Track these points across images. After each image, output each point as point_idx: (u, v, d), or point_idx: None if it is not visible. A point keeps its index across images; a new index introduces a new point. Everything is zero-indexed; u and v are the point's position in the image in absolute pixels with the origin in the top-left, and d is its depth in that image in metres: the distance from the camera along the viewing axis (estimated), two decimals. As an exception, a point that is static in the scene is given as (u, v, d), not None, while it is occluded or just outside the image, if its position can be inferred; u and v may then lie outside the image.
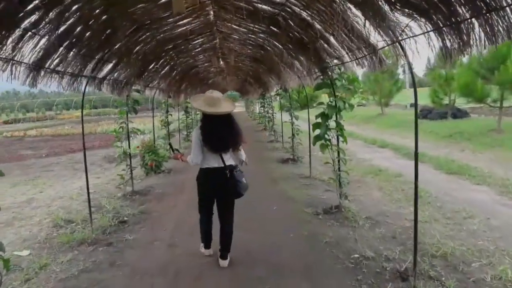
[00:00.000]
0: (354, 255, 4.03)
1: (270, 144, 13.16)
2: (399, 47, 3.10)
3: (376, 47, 3.50)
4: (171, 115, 11.47)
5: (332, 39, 4.22)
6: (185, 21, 5.71)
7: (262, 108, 17.94)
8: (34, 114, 52.74)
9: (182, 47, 7.47)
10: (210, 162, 3.68)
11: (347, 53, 4.17)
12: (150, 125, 16.35)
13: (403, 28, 2.90)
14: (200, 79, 14.39)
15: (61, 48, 3.80)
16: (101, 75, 5.35)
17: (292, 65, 6.83)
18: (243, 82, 19.13)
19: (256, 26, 5.90)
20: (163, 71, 8.30)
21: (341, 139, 5.29)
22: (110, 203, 6.48)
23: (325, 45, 4.49)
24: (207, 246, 4.14)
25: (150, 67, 7.30)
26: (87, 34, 4.04)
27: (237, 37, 7.17)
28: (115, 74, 5.89)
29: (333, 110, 4.98)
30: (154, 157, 8.93)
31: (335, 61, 4.75)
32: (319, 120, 5.16)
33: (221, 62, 11.20)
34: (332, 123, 5.23)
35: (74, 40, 3.89)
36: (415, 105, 3.40)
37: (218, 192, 3.79)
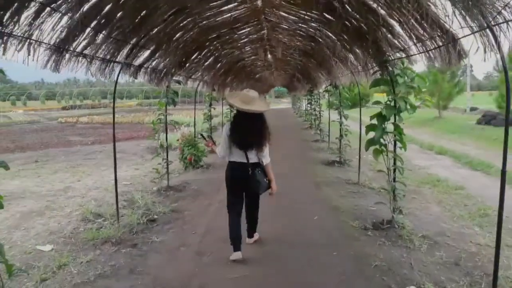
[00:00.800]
0: (409, 287, 3.36)
1: (315, 143, 12.46)
2: (490, 35, 2.40)
3: (456, 35, 2.79)
4: (214, 108, 11.12)
5: (397, 26, 3.54)
6: (230, 6, 5.22)
7: (309, 105, 17.21)
8: (90, 102, 55.44)
9: (227, 37, 7.02)
10: (236, 157, 3.82)
11: (414, 44, 3.48)
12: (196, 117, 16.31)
13: (500, 8, 2.21)
14: (246, 73, 13.97)
15: (88, 29, 3.44)
16: (137, 62, 5.01)
17: (345, 59, 6.15)
18: (291, 78, 18.51)
19: (308, 14, 5.31)
20: (206, 62, 7.91)
21: (399, 144, 4.57)
22: (143, 198, 6.19)
23: (388, 35, 3.81)
24: (236, 248, 3.91)
25: (193, 57, 6.92)
26: (119, 15, 3.66)
27: (286, 26, 6.60)
28: (153, 63, 5.55)
29: (392, 111, 4.28)
30: (193, 151, 8.60)
31: (399, 54, 4.06)
32: (374, 121, 4.48)
33: (269, 56, 10.69)
34: (389, 126, 4.53)
35: (103, 20, 3.52)
36: (506, 110, 2.65)
37: (242, 185, 3.89)
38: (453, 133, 14.23)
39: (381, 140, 4.41)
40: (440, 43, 2.99)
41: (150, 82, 5.83)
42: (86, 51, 3.70)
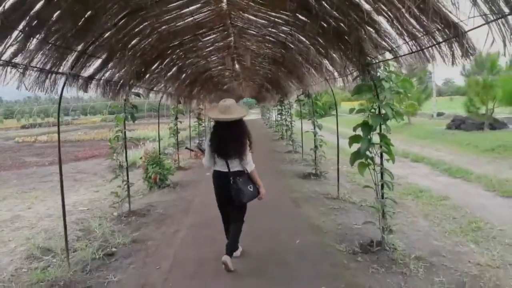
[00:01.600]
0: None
1: (288, 155, 11.98)
2: None
3: (462, 28, 2.34)
4: (180, 122, 10.42)
5: (384, 23, 3.09)
6: (191, 8, 4.66)
7: (279, 116, 16.80)
8: (52, 119, 53.01)
9: (191, 44, 6.44)
10: (219, 166, 3.85)
11: (406, 42, 3.03)
12: (161, 132, 15.47)
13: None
14: (214, 83, 13.39)
15: (16, 32, 2.77)
16: (86, 73, 4.32)
17: (319, 65, 5.71)
18: (260, 88, 18.09)
19: (279, 16, 4.82)
20: (169, 73, 7.27)
21: (385, 157, 4.12)
22: (101, 226, 5.46)
23: (373, 34, 3.36)
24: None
25: (153, 67, 6.28)
26: (55, 15, 3.01)
27: (254, 32, 6.10)
28: (107, 73, 4.88)
29: (377, 119, 3.82)
30: (158, 169, 7.89)
31: (383, 56, 3.62)
32: (358, 132, 4.01)
33: (236, 65, 10.18)
34: (374, 137, 4.08)
35: (35, 22, 2.86)
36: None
37: (225, 195, 3.86)
38: (425, 138, 14.18)
39: (367, 152, 3.93)
40: (441, 39, 2.53)
41: (104, 95, 5.15)
42: (16, 60, 3.01)
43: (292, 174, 8.79)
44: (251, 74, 12.60)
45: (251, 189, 3.82)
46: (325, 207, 5.90)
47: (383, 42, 3.35)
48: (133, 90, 6.04)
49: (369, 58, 3.85)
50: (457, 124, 14.96)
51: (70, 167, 12.49)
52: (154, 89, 7.24)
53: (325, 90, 6.59)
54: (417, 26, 2.65)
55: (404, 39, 2.96)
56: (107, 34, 4.01)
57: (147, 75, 6.32)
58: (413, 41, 2.87)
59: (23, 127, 44.83)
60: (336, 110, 7.09)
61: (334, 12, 3.48)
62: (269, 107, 28.08)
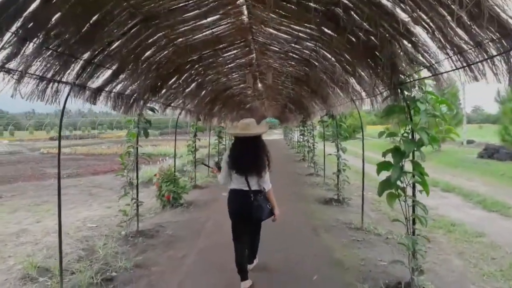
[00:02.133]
0: None
1: (309, 178, 11.48)
2: None
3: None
4: (199, 139, 10.15)
5: (423, 35, 2.68)
6: (209, 19, 4.38)
7: (301, 137, 16.36)
8: (80, 132, 54.50)
9: (211, 60, 6.19)
10: (237, 184, 3.77)
11: (448, 58, 2.60)
12: (182, 149, 15.37)
13: None
14: (235, 102, 13.17)
15: (8, 34, 2.52)
16: (94, 84, 4.08)
17: (345, 85, 5.31)
18: (283, 108, 17.78)
19: (303, 30, 4.48)
20: (188, 89, 7.03)
21: (418, 187, 3.64)
22: (105, 246, 5.13)
23: (408, 47, 2.95)
24: (244, 277, 3.79)
25: (171, 81, 6.04)
26: (54, 18, 2.76)
27: (277, 48, 5.80)
28: (118, 86, 4.63)
29: (411, 145, 3.38)
30: (172, 187, 7.58)
31: (424, 72, 3.19)
32: (388, 158, 3.56)
33: (259, 84, 9.91)
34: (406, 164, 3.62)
35: (31, 24, 2.61)
36: None
37: (244, 213, 3.78)
38: (456, 167, 13.39)
39: (398, 182, 3.47)
40: (495, 51, 2.10)
41: (115, 109, 4.90)
42: (10, 65, 2.76)
43: (313, 198, 8.30)
44: (273, 94, 12.31)
45: (269, 207, 3.83)
46: (347, 238, 5.39)
47: (420, 57, 2.93)
48: (148, 105, 5.80)
49: (402, 76, 3.43)
50: (490, 153, 14.12)
51: (87, 181, 12.39)
52: (172, 105, 6.99)
53: (350, 112, 6.15)
54: (465, 37, 2.24)
55: (447, 53, 2.54)
56: (116, 43, 3.77)
57: (164, 90, 6.08)
58: (458, 55, 2.44)
59: (51, 139, 45.94)
60: (362, 133, 6.61)
61: (364, 24, 3.11)
62: (292, 128, 27.76)
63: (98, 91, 4.21)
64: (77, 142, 36.61)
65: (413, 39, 2.79)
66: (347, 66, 4.60)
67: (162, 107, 6.63)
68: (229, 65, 6.87)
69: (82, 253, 5.07)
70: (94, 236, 5.91)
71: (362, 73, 4.34)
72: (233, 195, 3.81)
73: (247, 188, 3.70)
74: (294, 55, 5.80)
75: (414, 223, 3.70)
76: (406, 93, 3.57)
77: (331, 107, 7.31)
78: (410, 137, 3.47)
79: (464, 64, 2.45)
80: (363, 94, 5.05)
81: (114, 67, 4.16)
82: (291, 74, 7.33)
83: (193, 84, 6.98)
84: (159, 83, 5.65)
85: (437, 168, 13.83)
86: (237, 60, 6.77)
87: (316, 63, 5.56)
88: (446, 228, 6.22)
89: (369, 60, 3.80)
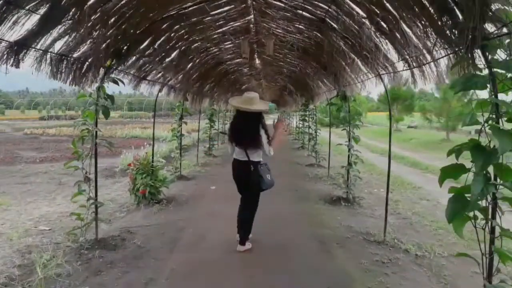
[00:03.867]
0: None
1: (311, 169, 10.14)
2: None
3: None
4: (185, 123, 8.74)
5: None
6: None
7: (301, 122, 14.99)
8: (73, 112, 52.94)
9: (195, 19, 4.76)
10: (238, 155, 4.04)
11: None
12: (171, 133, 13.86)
13: None
14: (230, 82, 11.72)
15: None
16: (13, 36, 2.69)
17: (373, 53, 3.94)
18: (281, 91, 16.36)
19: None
20: (168, 58, 5.62)
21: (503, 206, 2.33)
22: (49, 263, 3.82)
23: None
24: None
25: (143, 45, 4.64)
26: None
27: (282, 3, 4.39)
28: (58, 45, 3.25)
29: (509, 140, 2.02)
30: (149, 180, 6.24)
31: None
32: (455, 159, 2.24)
33: (256, 59, 8.49)
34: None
35: None
36: None
37: (242, 182, 4.09)
38: (470, 158, 12.09)
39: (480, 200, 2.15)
40: None
41: (56, 77, 3.51)
42: None
43: (317, 196, 6.99)
44: (272, 72, 10.89)
45: (269, 178, 4.01)
46: (368, 259, 4.08)
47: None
48: (110, 76, 4.40)
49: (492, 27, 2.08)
50: None
51: (60, 167, 10.99)
52: (148, 78, 5.59)
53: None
54: None
55: None
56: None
57: (133, 58, 4.68)
58: None
59: (41, 119, 44.30)
60: (390, 121, 5.13)
61: None
62: (290, 113, 26.36)
63: (18, 46, 2.81)
64: (66, 123, 34.97)
65: None
66: (382, 22, 3.22)
67: (134, 80, 5.24)
68: (221, 29, 5.45)
69: (16, 273, 3.75)
70: (42, 244, 4.58)
71: (407, 30, 2.97)
72: (234, 165, 4.13)
73: (246, 159, 3.93)
74: (304, 13, 4.39)
75: (491, 259, 2.39)
76: (489, 56, 2.23)
77: (346, 86, 5.94)
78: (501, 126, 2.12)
79: None
80: (399, 64, 3.69)
81: (42, 11, 2.76)
82: (297, 45, 5.92)
83: (175, 53, 5.57)
84: (124, 46, 4.24)
85: (451, 161, 12.57)
86: (232, 23, 5.36)
87: (334, 24, 4.17)
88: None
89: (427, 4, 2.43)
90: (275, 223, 5.24)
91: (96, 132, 4.45)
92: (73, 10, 3.00)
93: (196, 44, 5.88)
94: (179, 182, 8.18)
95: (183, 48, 5.61)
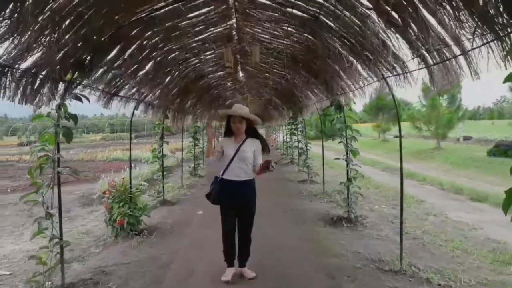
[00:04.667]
0: None
1: (303, 186, 9.53)
2: None
3: None
4: (166, 143, 8.06)
5: None
6: None
7: (289, 136, 14.43)
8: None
9: (169, 23, 4.17)
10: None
11: None
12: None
13: None
14: (213, 97, 11.11)
15: None
16: None
17: (379, 52, 3.40)
18: (266, 105, 15.84)
19: None
20: (142, 71, 4.99)
21: None
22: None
23: None
24: (230, 263, 3.89)
25: (111, 55, 4.01)
26: None
27: (268, 2, 3.84)
28: (3, 54, 2.61)
29: None
30: (127, 209, 5.52)
31: None
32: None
33: (240, 71, 7.94)
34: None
35: None
36: None
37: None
38: (466, 167, 11.72)
39: None
40: None
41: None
42: None
43: (315, 216, 6.37)
44: (257, 86, 10.34)
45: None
46: (386, 292, 3.46)
47: None
48: (73, 92, 3.75)
49: None
50: (502, 150, 12.50)
51: (33, 196, 10.09)
52: (120, 94, 4.93)
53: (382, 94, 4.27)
54: None
55: None
56: None
57: (100, 70, 4.04)
58: None
59: (20, 145, 42.72)
60: (400, 134, 4.49)
61: None
62: (275, 127, 25.83)
63: None
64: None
65: None
66: (393, 12, 2.68)
67: (103, 97, 4.58)
68: (200, 36, 4.86)
69: None
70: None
71: (429, 17, 2.43)
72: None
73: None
74: (294, 11, 3.84)
75: None
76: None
77: (340, 94, 5.40)
78: None
79: None
80: (411, 63, 3.15)
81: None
82: (285, 51, 5.38)
83: (150, 64, 4.94)
84: (87, 56, 3.61)
85: (444, 169, 12.18)
86: (212, 29, 4.78)
87: (330, 22, 3.63)
88: (507, 262, 4.38)
89: None
90: (273, 252, 4.58)
91: (58, 158, 3.74)
92: (11, 6, 2.36)
93: (174, 55, 5.27)
94: (163, 207, 7.45)
95: (158, 59, 4.99)
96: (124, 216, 5.48)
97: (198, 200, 7.89)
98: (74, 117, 3.62)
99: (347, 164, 5.88)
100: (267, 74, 7.94)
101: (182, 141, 11.52)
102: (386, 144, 20.84)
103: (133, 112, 5.86)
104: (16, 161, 22.06)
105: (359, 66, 4.14)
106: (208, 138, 4.03)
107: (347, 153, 5.86)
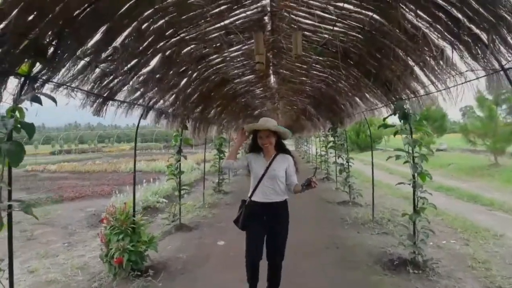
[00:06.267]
0: None
1: (345, 209, 8.06)
2: None
3: None
4: (184, 157, 6.85)
5: None
6: None
7: (325, 150, 12.98)
8: (86, 146, 52.75)
9: (184, 16, 2.97)
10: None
11: None
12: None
13: None
14: (240, 106, 9.88)
15: None
16: None
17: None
18: (298, 115, 14.47)
19: None
20: (146, 68, 3.82)
21: None
22: None
23: None
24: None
25: (95, 39, 2.85)
26: None
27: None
28: None
29: None
30: (128, 244, 4.33)
31: None
32: None
33: (271, 74, 6.72)
34: None
35: None
36: None
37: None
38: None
39: None
40: None
41: None
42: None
43: (368, 257, 4.92)
44: (291, 92, 9.05)
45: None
46: None
47: None
48: (36, 90, 2.60)
49: None
50: None
51: (42, 212, 9.19)
52: (115, 98, 3.77)
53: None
54: None
55: None
56: None
57: (81, 62, 2.88)
58: None
59: (52, 153, 43.51)
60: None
61: None
62: (306, 138, 24.36)
63: None
64: (75, 157, 33.71)
65: None
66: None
67: (92, 100, 3.42)
68: (222, 20, 3.64)
69: None
70: None
71: None
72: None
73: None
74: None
75: None
76: None
77: (408, 98, 4.02)
78: None
79: None
80: None
81: None
82: (336, 44, 4.07)
83: (155, 59, 3.76)
84: (52, 40, 2.45)
85: (504, 188, 10.36)
86: (237, 11, 3.55)
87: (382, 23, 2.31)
88: None
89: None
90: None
91: (10, 190, 2.59)
92: None
93: (188, 48, 4.08)
94: (178, 234, 6.24)
95: (167, 52, 3.81)
96: (123, 253, 4.29)
97: (220, 226, 6.64)
98: (29, 127, 2.44)
99: (414, 192, 4.46)
100: (304, 78, 6.63)
101: (204, 154, 10.34)
102: (432, 158, 18.93)
103: (139, 121, 4.70)
104: (40, 171, 21.65)
105: (431, 61, 2.78)
106: (236, 142, 3.64)
107: (413, 177, 4.45)
